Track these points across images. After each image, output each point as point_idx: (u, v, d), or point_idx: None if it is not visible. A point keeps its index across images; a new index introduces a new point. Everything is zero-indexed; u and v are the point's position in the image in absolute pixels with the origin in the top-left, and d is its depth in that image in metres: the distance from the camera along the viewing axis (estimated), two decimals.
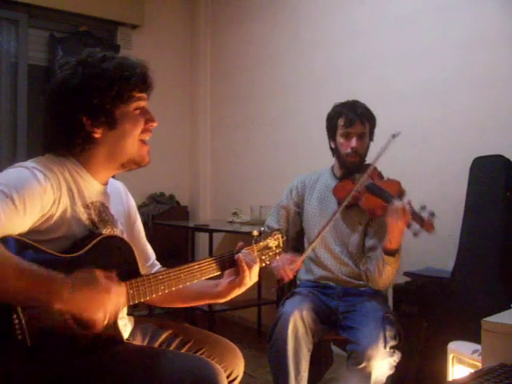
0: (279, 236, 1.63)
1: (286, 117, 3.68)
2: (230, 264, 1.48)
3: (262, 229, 1.64)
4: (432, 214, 1.88)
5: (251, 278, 1.47)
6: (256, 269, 1.48)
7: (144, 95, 1.40)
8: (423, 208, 1.91)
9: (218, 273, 1.48)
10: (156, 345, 1.53)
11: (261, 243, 1.57)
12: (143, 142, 1.41)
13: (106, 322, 1.18)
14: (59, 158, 1.35)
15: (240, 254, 1.48)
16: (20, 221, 1.18)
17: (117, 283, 1.22)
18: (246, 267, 1.46)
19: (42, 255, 1.22)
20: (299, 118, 3.58)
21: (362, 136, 2.18)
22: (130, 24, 4.11)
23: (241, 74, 4.08)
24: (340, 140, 2.20)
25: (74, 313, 1.15)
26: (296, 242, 2.38)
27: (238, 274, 1.47)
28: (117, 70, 1.33)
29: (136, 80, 1.36)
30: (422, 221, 1.88)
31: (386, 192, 2.04)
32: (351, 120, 2.16)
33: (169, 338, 1.55)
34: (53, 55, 3.77)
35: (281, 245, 1.62)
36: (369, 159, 2.25)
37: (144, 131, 1.40)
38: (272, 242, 1.60)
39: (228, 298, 1.52)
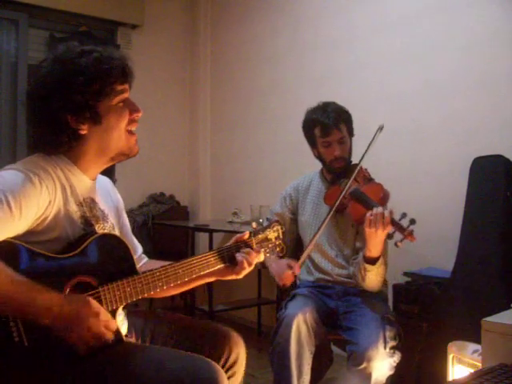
0: (279, 228, 1.62)
1: (286, 117, 3.68)
2: (229, 259, 1.50)
3: (261, 221, 1.63)
4: (412, 222, 1.83)
5: (247, 270, 1.50)
6: (254, 263, 1.51)
7: (126, 86, 1.39)
8: (403, 216, 1.86)
9: (217, 267, 1.49)
10: (147, 340, 1.53)
11: (259, 236, 1.57)
12: (130, 132, 1.40)
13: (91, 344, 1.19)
14: (50, 157, 1.34)
15: (241, 256, 1.49)
16: (16, 226, 1.19)
17: (105, 311, 1.22)
18: (246, 265, 1.48)
19: (37, 257, 1.22)
20: (299, 118, 3.56)
21: (341, 141, 2.16)
22: (130, 24, 4.11)
23: (241, 74, 4.08)
24: (321, 149, 2.19)
25: (61, 331, 1.16)
26: (293, 249, 2.35)
27: (235, 260, 1.49)
28: (96, 65, 1.31)
29: (116, 73, 1.34)
30: (403, 230, 1.83)
31: (369, 199, 1.99)
32: (327, 129, 2.13)
33: (163, 332, 1.55)
34: None
35: (281, 236, 1.62)
36: (356, 155, 2.23)
37: (130, 122, 1.39)
38: (271, 234, 1.60)
39: (218, 279, 1.55)
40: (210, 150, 4.38)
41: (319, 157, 2.25)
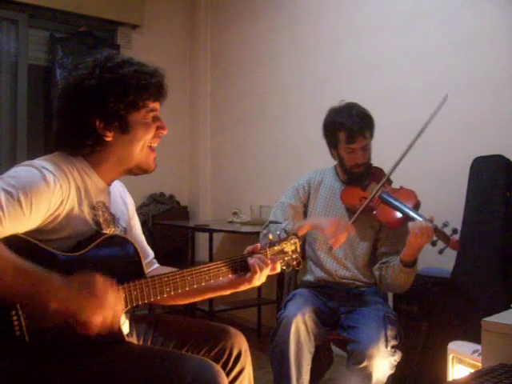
0: (296, 240, 1.59)
1: (286, 116, 3.68)
2: (241, 268, 1.47)
3: (278, 233, 1.60)
4: (455, 231, 1.85)
5: (260, 279, 1.47)
6: (267, 271, 1.48)
7: (157, 105, 1.43)
8: (446, 225, 1.87)
9: (229, 276, 1.47)
10: (148, 342, 1.53)
11: (275, 247, 1.54)
12: (151, 148, 1.43)
13: (104, 326, 1.18)
14: (68, 157, 1.36)
15: (253, 259, 1.47)
16: (25, 222, 1.19)
17: (115, 289, 1.22)
18: (257, 269, 1.45)
19: (44, 253, 1.22)
20: (299, 118, 3.58)
21: (365, 148, 2.14)
22: (130, 24, 4.11)
23: (241, 73, 4.08)
24: (343, 154, 2.15)
25: (70, 314, 1.15)
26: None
27: (248, 271, 1.47)
28: (134, 78, 1.35)
29: (152, 90, 1.38)
30: (448, 239, 1.86)
31: (404, 205, 2.00)
32: (353, 136, 2.09)
33: (163, 333, 1.54)
34: (53, 55, 3.77)
35: (298, 249, 1.59)
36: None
37: (153, 137, 1.43)
38: (288, 247, 1.57)
39: (232, 291, 1.53)
40: (210, 150, 4.38)
41: (339, 159, 2.21)
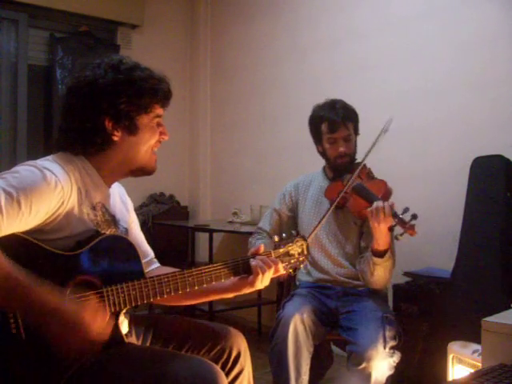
0: (303, 243, 1.56)
1: (286, 117, 3.68)
2: (243, 270, 1.46)
3: (284, 235, 1.57)
4: (414, 217, 1.84)
5: (262, 281, 1.45)
6: (269, 274, 1.46)
7: (162, 111, 1.45)
8: (406, 210, 1.88)
9: (231, 278, 1.45)
10: (148, 343, 1.53)
11: (280, 250, 1.52)
12: (153, 151, 1.46)
13: (82, 349, 1.17)
14: (71, 157, 1.36)
15: (255, 261, 1.45)
16: (24, 222, 1.19)
17: (101, 320, 1.20)
18: (260, 271, 1.44)
19: (44, 252, 1.22)
20: (299, 118, 3.55)
21: (347, 138, 2.17)
22: (130, 24, 4.11)
23: (241, 73, 4.08)
24: (326, 146, 2.20)
25: (56, 329, 1.15)
26: None
27: (251, 273, 1.45)
28: (148, 81, 1.38)
29: (162, 95, 1.41)
30: (404, 224, 1.85)
31: (371, 193, 2.01)
32: (334, 125, 2.14)
33: (163, 334, 1.54)
34: (53, 55, 3.77)
35: (305, 252, 1.56)
36: (360, 154, 2.24)
37: (156, 142, 1.45)
38: (294, 249, 1.54)
39: (235, 294, 1.52)
40: (210, 150, 4.38)
41: (323, 153, 2.25)
